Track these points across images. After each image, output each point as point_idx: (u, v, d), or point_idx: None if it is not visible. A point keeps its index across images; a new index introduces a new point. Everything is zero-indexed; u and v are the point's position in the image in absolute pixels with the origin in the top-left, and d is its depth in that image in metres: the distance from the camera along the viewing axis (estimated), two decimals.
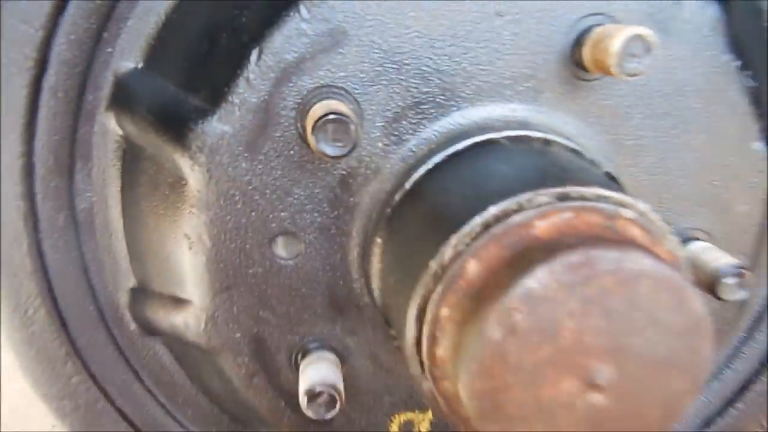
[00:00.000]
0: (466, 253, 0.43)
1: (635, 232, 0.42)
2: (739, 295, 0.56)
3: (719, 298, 0.57)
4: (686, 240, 0.62)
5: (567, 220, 0.41)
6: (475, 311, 0.41)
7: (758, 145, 0.60)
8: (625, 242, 0.41)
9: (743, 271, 0.56)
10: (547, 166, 0.49)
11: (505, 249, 0.42)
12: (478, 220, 0.43)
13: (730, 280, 0.56)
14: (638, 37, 0.47)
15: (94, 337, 0.64)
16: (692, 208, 0.61)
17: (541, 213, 0.41)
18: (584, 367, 0.40)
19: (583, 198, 0.42)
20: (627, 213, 0.42)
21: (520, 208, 0.42)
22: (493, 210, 0.43)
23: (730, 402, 0.81)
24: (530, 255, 0.40)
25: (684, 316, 0.40)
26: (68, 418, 0.66)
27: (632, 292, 0.39)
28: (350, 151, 0.48)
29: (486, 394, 0.41)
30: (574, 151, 0.53)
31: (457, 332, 0.43)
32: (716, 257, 0.58)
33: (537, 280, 0.38)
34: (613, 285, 0.39)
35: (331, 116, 0.47)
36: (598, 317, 0.39)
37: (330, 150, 0.48)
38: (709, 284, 0.57)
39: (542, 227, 0.41)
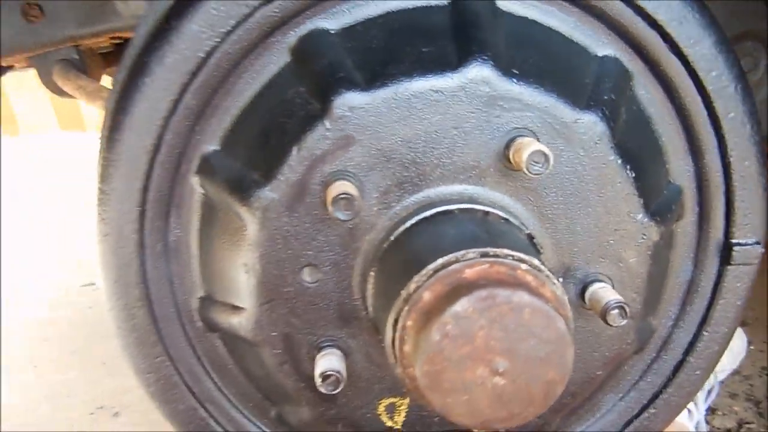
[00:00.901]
0: (423, 287, 0.68)
1: (528, 279, 0.67)
2: (622, 323, 0.80)
3: (608, 324, 0.81)
4: (591, 281, 0.86)
5: (484, 269, 0.67)
6: (425, 323, 0.66)
7: (641, 216, 0.84)
8: (519, 285, 0.66)
9: (624, 305, 0.80)
10: (481, 232, 0.74)
11: (445, 286, 0.67)
12: (431, 267, 0.68)
13: (613, 311, 0.80)
14: (539, 152, 0.73)
15: (173, 330, 0.90)
16: (595, 259, 0.85)
17: (468, 264, 0.67)
18: (490, 360, 0.65)
19: (496, 256, 0.68)
20: (523, 266, 0.68)
21: (456, 261, 0.68)
22: (440, 260, 0.68)
23: (644, 407, 1.04)
24: (459, 290, 0.65)
25: (552, 332, 0.65)
26: (151, 387, 0.92)
27: (519, 316, 0.64)
28: (354, 217, 0.75)
29: (431, 375, 0.66)
30: (504, 219, 0.79)
31: (416, 336, 0.68)
32: (608, 295, 0.82)
33: (461, 306, 0.64)
34: (506, 311, 0.64)
35: (343, 195, 0.73)
36: (498, 330, 0.64)
37: (341, 216, 0.73)
38: (602, 314, 0.82)
39: (469, 273, 0.67)
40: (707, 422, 1.88)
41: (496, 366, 0.65)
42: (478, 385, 0.65)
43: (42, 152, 4.71)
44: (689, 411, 1.71)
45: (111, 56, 1.73)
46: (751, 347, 2.09)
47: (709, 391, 1.86)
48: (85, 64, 1.70)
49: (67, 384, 2.37)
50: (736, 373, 2.05)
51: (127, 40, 1.55)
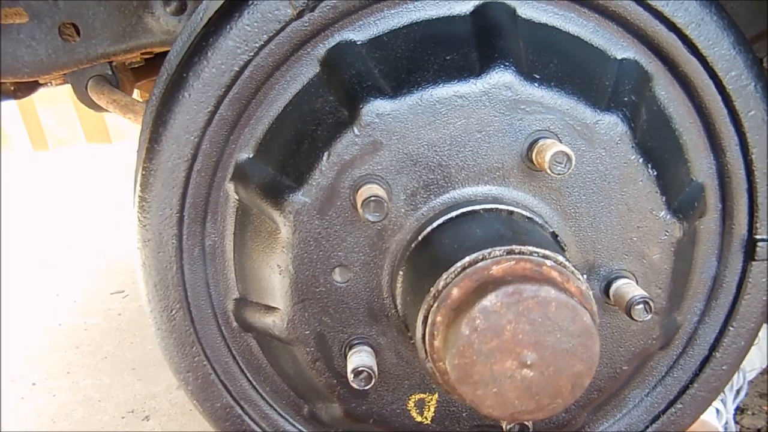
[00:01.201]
0: (452, 284, 0.71)
1: (554, 274, 0.70)
2: (647, 318, 0.82)
3: (633, 319, 0.83)
4: (616, 278, 0.88)
5: (510, 266, 0.69)
6: (455, 318, 0.69)
7: (663, 213, 0.86)
8: (544, 280, 0.68)
9: (649, 300, 0.82)
10: (506, 230, 0.76)
11: (473, 282, 0.70)
12: (458, 264, 0.71)
13: (638, 307, 0.82)
14: (562, 153, 0.75)
15: (209, 330, 0.94)
16: (619, 256, 0.86)
17: (495, 261, 0.70)
18: (518, 353, 0.68)
19: (521, 253, 0.70)
20: (548, 262, 0.70)
21: (483, 258, 0.70)
22: (468, 258, 0.71)
23: (671, 402, 1.05)
24: (486, 286, 0.68)
25: (577, 325, 0.67)
26: (190, 385, 0.97)
27: (545, 310, 0.67)
28: (383, 219, 0.78)
29: (461, 367, 0.69)
30: (528, 218, 0.81)
31: (446, 331, 0.71)
32: (632, 290, 0.84)
33: (489, 301, 0.67)
34: (533, 305, 0.66)
35: (372, 198, 0.76)
36: (525, 323, 0.67)
37: (371, 218, 0.77)
38: (627, 309, 0.83)
39: (496, 270, 0.70)
40: (736, 422, 1.85)
41: (524, 359, 0.67)
42: (506, 378, 0.68)
43: (72, 164, 4.87)
44: (717, 411, 1.69)
45: (141, 71, 1.81)
46: None
47: (738, 391, 1.83)
48: (117, 78, 1.78)
49: (100, 389, 2.45)
50: (765, 372, 2.02)
51: (157, 56, 1.62)
